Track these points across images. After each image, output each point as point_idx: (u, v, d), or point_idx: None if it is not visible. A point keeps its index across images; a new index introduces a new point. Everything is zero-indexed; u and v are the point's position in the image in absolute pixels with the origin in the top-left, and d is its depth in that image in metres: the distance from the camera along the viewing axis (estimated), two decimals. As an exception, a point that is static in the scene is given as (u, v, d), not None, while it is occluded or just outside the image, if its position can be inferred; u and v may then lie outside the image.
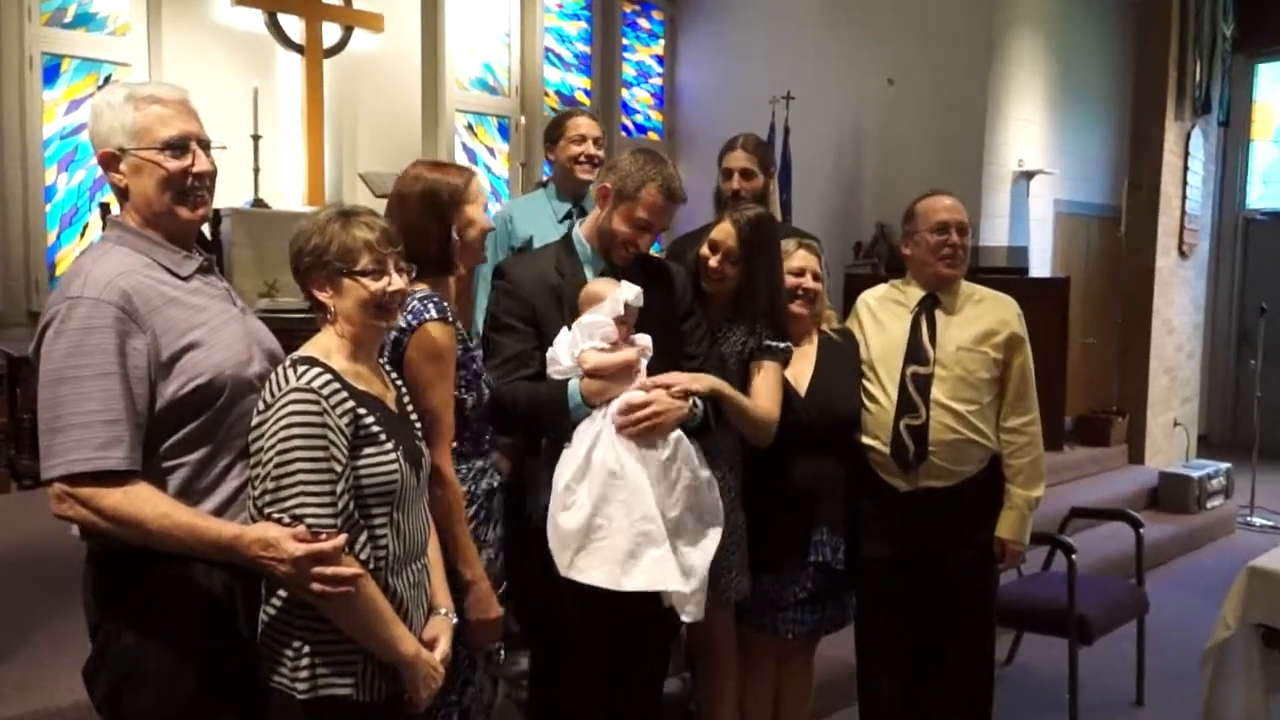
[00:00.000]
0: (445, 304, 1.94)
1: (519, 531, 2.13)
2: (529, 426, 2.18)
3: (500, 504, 2.09)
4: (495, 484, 2.08)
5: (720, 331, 2.45)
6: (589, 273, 2.27)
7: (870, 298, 2.82)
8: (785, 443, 2.45)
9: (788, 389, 2.47)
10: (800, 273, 2.60)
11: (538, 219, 3.09)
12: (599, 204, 2.26)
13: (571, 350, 2.11)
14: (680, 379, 2.16)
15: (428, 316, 1.88)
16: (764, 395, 2.39)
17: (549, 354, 2.15)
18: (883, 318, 2.76)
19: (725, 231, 2.46)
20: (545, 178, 3.37)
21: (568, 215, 3.10)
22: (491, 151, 6.91)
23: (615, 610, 2.05)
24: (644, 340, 2.16)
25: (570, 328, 2.14)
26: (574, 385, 2.10)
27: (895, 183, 6.35)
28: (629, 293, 2.13)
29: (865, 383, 2.71)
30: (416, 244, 1.88)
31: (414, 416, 1.82)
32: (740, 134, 3.12)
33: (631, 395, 2.07)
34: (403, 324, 1.87)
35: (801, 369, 2.59)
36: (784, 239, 2.66)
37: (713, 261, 2.45)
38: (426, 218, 1.96)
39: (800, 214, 6.31)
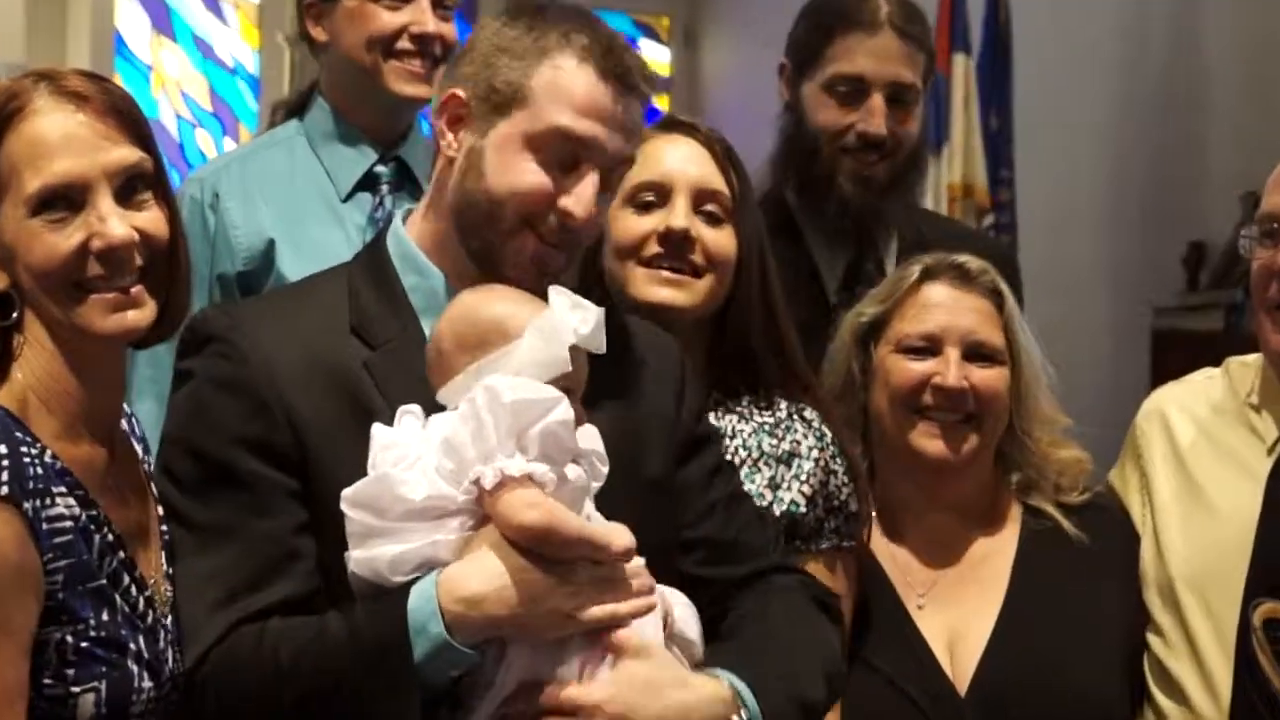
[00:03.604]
0: (4, 451, 1.99)
1: None
2: None
3: None
4: None
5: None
6: (426, 328, 2.33)
7: (1173, 407, 2.83)
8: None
9: (922, 653, 2.62)
10: (930, 344, 2.67)
11: (289, 197, 3.14)
12: (440, 147, 2.35)
13: (455, 467, 2.12)
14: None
15: None
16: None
17: (356, 496, 2.15)
18: (1202, 468, 2.76)
19: (682, 148, 2.67)
20: (302, 90, 3.45)
21: (365, 184, 3.15)
22: (217, 9, 6.77)
23: None
24: (589, 436, 2.25)
25: (476, 410, 2.16)
26: (426, 591, 2.09)
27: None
28: (578, 318, 2.20)
29: (1152, 639, 2.71)
30: None
31: None
32: None
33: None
34: None
35: (967, 606, 2.68)
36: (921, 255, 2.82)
37: (659, 223, 2.63)
38: None
39: (1035, 177, 6.16)
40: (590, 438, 2.22)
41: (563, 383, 2.16)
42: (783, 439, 2.66)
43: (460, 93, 2.28)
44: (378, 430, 2.18)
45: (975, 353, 2.63)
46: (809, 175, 3.14)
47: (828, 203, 3.15)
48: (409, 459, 2.14)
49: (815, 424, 2.67)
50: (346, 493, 2.15)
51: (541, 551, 2.10)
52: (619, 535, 2.15)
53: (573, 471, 2.17)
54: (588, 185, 2.26)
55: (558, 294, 2.19)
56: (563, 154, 2.25)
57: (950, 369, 2.61)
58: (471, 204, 2.27)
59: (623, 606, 2.13)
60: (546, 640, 2.13)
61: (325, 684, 2.13)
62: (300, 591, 2.17)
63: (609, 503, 2.22)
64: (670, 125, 2.75)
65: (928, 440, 2.62)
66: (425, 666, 2.08)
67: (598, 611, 2.11)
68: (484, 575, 2.08)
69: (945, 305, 2.65)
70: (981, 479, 2.68)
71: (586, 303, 2.20)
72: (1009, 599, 2.63)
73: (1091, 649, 2.63)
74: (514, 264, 2.25)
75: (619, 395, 2.35)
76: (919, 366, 2.62)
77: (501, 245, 2.26)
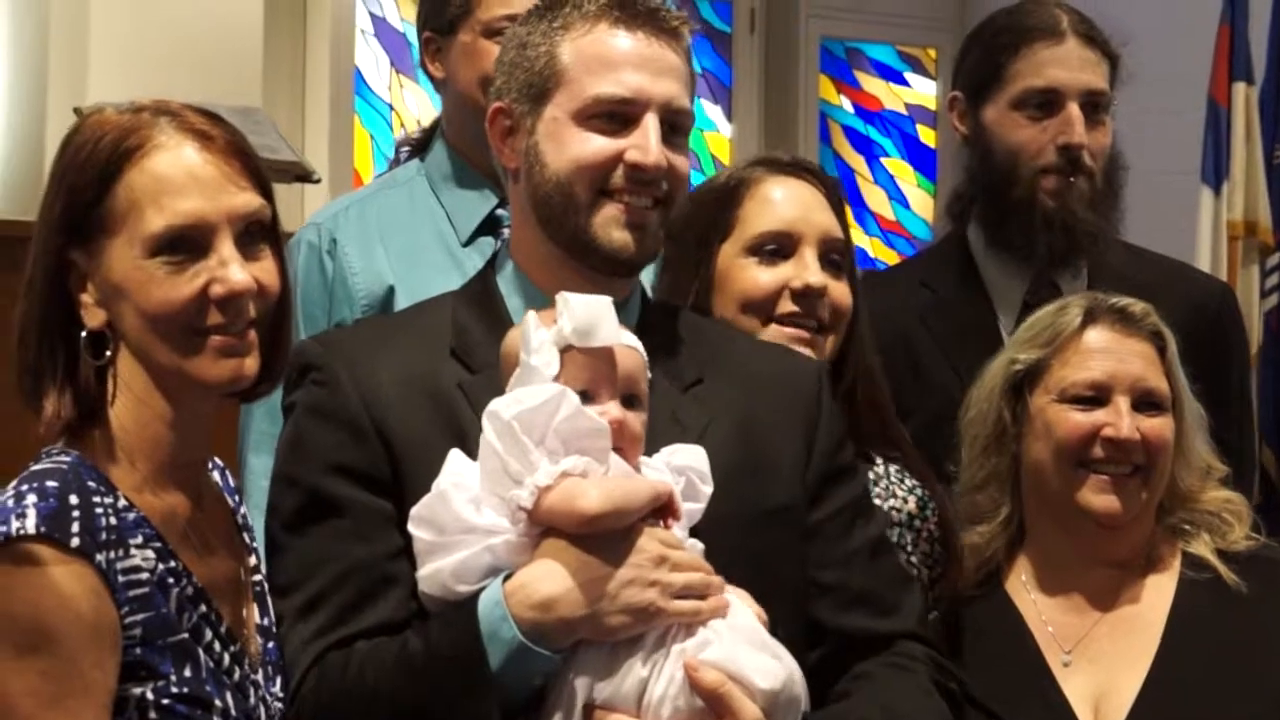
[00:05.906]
0: (75, 502, 2.00)
1: None
2: None
3: None
4: None
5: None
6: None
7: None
8: None
9: (1064, 714, 2.60)
10: (1098, 393, 2.64)
11: (408, 241, 3.15)
12: (504, 164, 2.40)
13: (495, 491, 2.16)
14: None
15: (13, 531, 1.96)
16: None
17: (419, 513, 2.20)
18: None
19: (801, 193, 2.71)
20: (425, 129, 3.44)
21: (486, 228, 3.14)
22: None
23: None
24: (690, 454, 2.27)
25: (487, 443, 2.20)
26: (493, 596, 2.12)
27: None
28: (564, 319, 2.19)
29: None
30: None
31: None
32: None
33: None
34: None
35: (1116, 663, 2.66)
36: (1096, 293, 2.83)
37: (790, 277, 2.67)
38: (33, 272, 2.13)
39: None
40: (691, 455, 2.25)
41: (578, 385, 2.16)
42: (885, 500, 2.70)
43: (500, 104, 2.34)
44: (453, 456, 2.21)
45: (1144, 401, 2.63)
46: (1006, 201, 3.06)
47: (1030, 223, 3.07)
48: (471, 491, 2.16)
49: (917, 489, 2.73)
50: (412, 511, 2.20)
51: (618, 526, 2.11)
52: (659, 483, 2.17)
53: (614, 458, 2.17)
54: (647, 130, 2.28)
55: (559, 298, 2.20)
56: (613, 115, 2.28)
57: (1122, 420, 2.61)
58: (545, 196, 2.31)
59: (705, 605, 2.12)
60: (618, 646, 2.11)
61: (409, 701, 2.17)
62: (395, 617, 2.22)
63: (726, 530, 2.25)
64: (782, 166, 2.77)
65: (1097, 496, 2.61)
66: (506, 673, 2.10)
67: (681, 605, 2.11)
68: (553, 578, 2.09)
69: (1111, 351, 2.64)
70: (1144, 532, 2.68)
71: (581, 299, 2.18)
72: (1160, 655, 2.61)
73: (1257, 710, 2.59)
74: (607, 236, 2.29)
75: (740, 420, 2.36)
76: (1088, 418, 2.62)
77: (588, 224, 2.29)
